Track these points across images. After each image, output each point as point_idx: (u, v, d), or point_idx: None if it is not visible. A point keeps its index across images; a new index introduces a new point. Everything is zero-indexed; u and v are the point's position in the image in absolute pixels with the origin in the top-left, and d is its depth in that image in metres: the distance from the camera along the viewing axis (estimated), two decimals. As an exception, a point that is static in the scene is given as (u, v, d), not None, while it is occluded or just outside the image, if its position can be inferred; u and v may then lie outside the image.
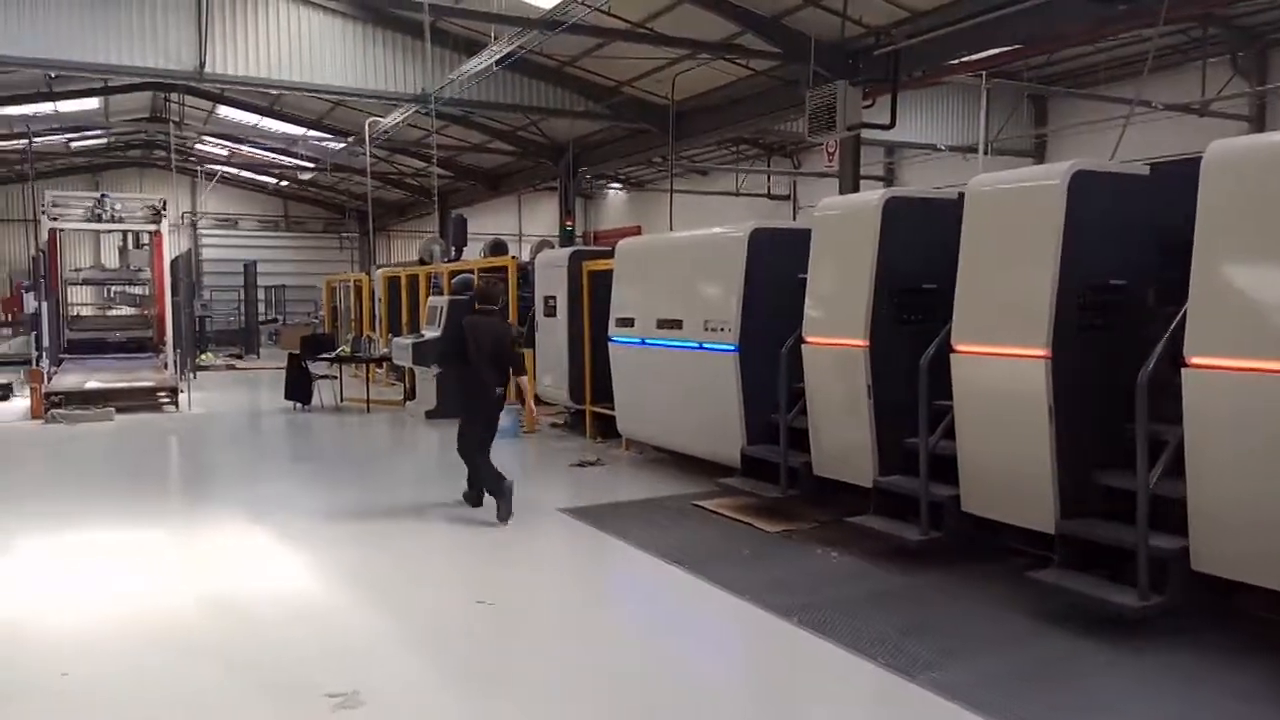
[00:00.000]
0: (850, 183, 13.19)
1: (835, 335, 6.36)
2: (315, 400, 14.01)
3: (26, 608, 5.36)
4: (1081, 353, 4.98)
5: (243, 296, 27.99)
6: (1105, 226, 5.07)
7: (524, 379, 7.67)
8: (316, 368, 14.33)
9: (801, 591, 5.39)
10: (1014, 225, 5.23)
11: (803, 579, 5.68)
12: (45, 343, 14.67)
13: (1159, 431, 4.53)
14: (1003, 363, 5.17)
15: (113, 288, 19.56)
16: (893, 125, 11.94)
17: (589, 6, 11.58)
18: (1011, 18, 10.52)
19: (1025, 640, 4.70)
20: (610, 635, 5.00)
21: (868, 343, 6.07)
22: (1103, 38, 13.35)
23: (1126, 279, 5.07)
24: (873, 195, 6.46)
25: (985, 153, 15.11)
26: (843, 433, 6.39)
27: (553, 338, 11.34)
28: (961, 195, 5.64)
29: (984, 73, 13.74)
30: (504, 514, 7.15)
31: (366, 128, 17.99)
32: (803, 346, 6.64)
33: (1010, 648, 4.61)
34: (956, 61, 12.58)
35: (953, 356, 5.43)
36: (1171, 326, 4.46)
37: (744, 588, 5.40)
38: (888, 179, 20.86)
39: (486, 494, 7.42)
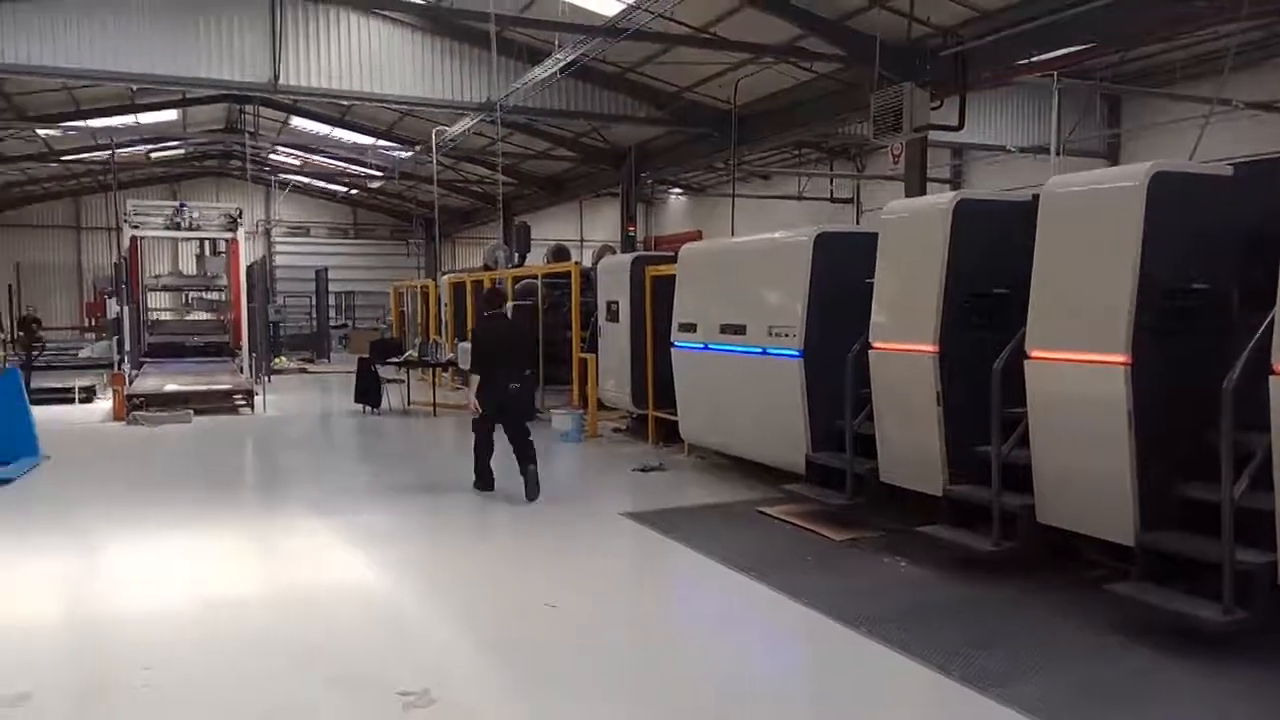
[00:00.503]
0: (917, 185, 12.99)
1: (903, 340, 6.27)
2: (384, 403, 14.30)
3: (110, 603, 5.57)
4: (1162, 359, 4.83)
5: (314, 302, 28.67)
6: (1186, 229, 4.92)
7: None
8: (385, 372, 14.62)
9: (869, 601, 5.33)
10: (1091, 228, 5.10)
11: (870, 588, 5.62)
12: (127, 347, 15.21)
13: (1245, 441, 4.37)
14: (1080, 369, 5.04)
15: (190, 293, 20.19)
16: (961, 127, 11.74)
17: (652, 13, 11.61)
18: (1084, 16, 10.26)
19: (1102, 655, 4.57)
20: (675, 640, 5.01)
21: (937, 348, 5.98)
22: (1180, 34, 12.93)
23: (1209, 283, 4.90)
24: (943, 198, 6.36)
25: (1057, 154, 14.74)
26: (911, 440, 6.30)
27: (615, 343, 11.40)
28: (1035, 197, 5.53)
29: (1055, 72, 13.41)
30: (479, 487, 8.30)
31: (433, 136, 18.29)
32: (870, 352, 6.56)
33: (1086, 662, 4.49)
34: (1027, 61, 12.31)
35: (1027, 362, 5.31)
36: (1258, 332, 4.31)
37: (810, 596, 5.35)
38: (955, 181, 20.49)
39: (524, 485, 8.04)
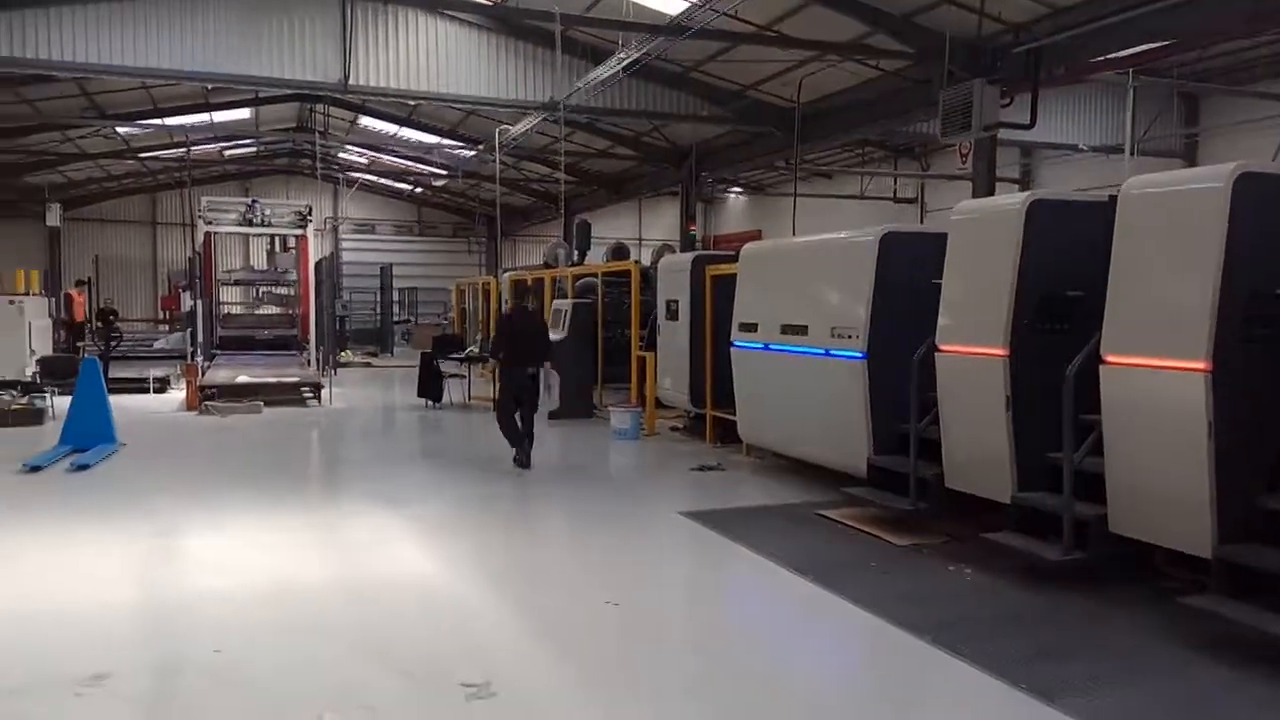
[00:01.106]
0: (985, 185, 12.75)
1: (972, 343, 6.15)
2: (445, 398, 14.50)
3: (181, 586, 5.73)
4: (1246, 366, 4.66)
5: (378, 298, 29.21)
6: (1272, 232, 4.74)
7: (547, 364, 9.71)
8: (447, 367, 14.83)
9: (932, 608, 5.24)
10: (1172, 229, 4.94)
11: (933, 595, 5.52)
12: (200, 339, 15.65)
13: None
14: (1158, 375, 4.88)
15: (261, 288, 20.68)
16: (1033, 125, 11.49)
17: (716, 11, 11.57)
18: (1162, 13, 9.96)
19: (1177, 670, 4.43)
20: (734, 642, 4.98)
21: (1007, 352, 5.85)
22: (1262, 31, 12.46)
23: (1297, 288, 4.72)
24: (1015, 198, 6.23)
25: (1131, 153, 14.32)
26: (979, 445, 6.17)
27: (674, 341, 11.39)
28: (1112, 198, 5.37)
29: (1130, 70, 13.04)
30: (521, 462, 9.15)
31: (496, 135, 18.50)
32: (936, 355, 6.45)
33: (1160, 677, 4.35)
34: (1102, 59, 11.98)
35: (1102, 368, 5.16)
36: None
37: (872, 602, 5.28)
38: (1023, 181, 20.07)
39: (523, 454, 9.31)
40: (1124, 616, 5.09)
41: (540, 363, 9.51)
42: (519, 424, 9.32)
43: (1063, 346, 5.47)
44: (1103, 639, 4.81)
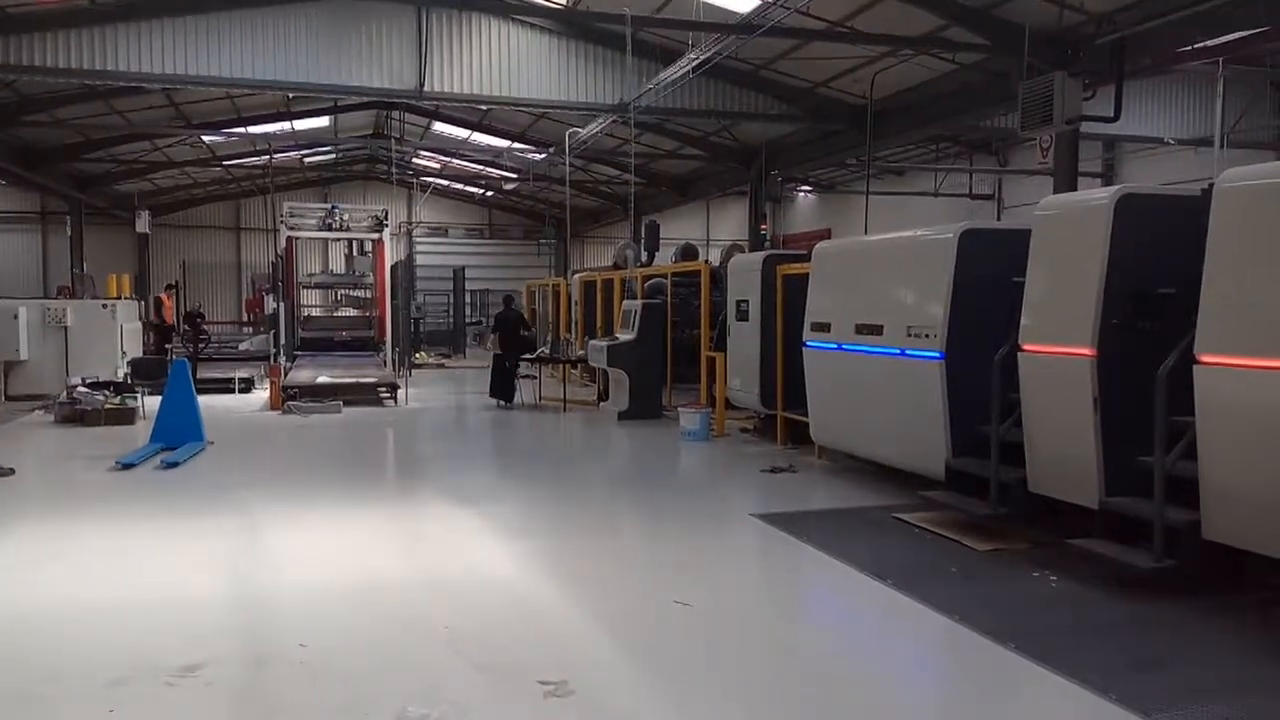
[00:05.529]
0: (1067, 180, 12.37)
1: (1057, 343, 5.97)
2: (517, 398, 14.66)
3: (267, 580, 5.89)
4: (1355, 366, 4.43)
5: (451, 300, 29.67)
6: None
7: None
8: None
9: (1017, 615, 5.10)
10: (1272, 223, 4.72)
11: (1018, 602, 5.38)
12: (282, 341, 16.10)
13: None
14: (1260, 375, 4.66)
15: (340, 291, 21.20)
16: (1117, 118, 11.12)
17: (788, 8, 11.45)
18: (1255, -1, 9.55)
19: (1276, 685, 4.23)
20: (812, 648, 4.92)
21: (1095, 351, 5.66)
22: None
23: None
24: (1104, 192, 6.02)
25: (1221, 146, 13.73)
26: (1064, 448, 5.99)
27: (744, 342, 11.32)
28: (1205, 192, 5.16)
29: (1221, 59, 12.50)
30: (505, 405, 14.58)
31: (566, 138, 18.63)
32: (1019, 354, 6.28)
33: (1259, 691, 4.16)
34: (1190, 48, 11.52)
35: (1196, 367, 4.96)
36: None
37: (954, 608, 5.16)
38: (1106, 176, 19.41)
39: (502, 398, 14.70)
40: (1218, 628, 4.89)
41: (518, 339, 15.26)
42: (505, 379, 14.70)
43: (1153, 346, 5.28)
44: (1196, 650, 4.63)
